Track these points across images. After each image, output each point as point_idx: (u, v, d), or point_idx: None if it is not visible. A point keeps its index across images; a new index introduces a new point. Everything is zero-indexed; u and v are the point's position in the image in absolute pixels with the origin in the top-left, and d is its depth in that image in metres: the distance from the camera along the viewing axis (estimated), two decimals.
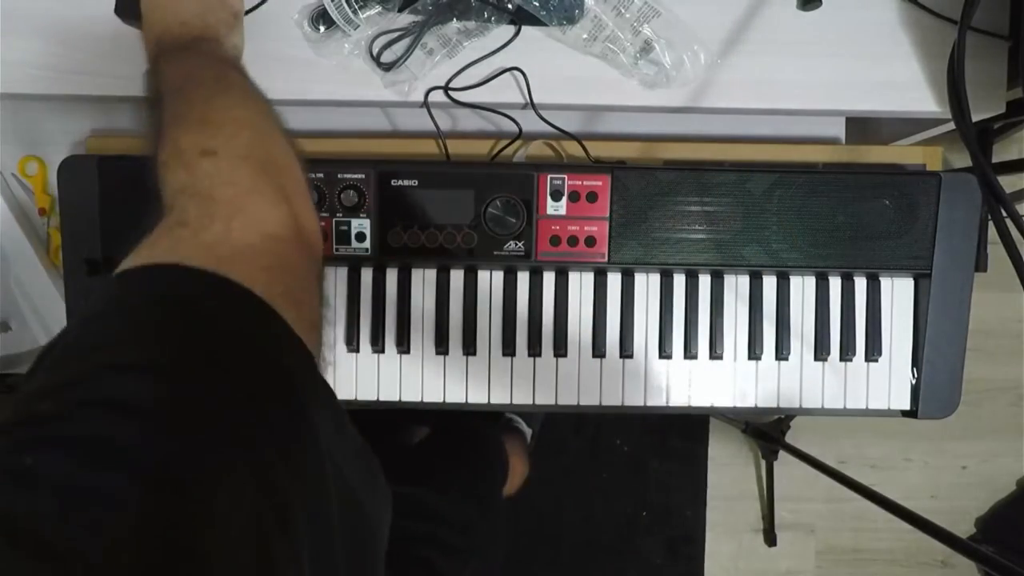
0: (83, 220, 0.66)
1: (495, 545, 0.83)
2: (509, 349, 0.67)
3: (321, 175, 0.65)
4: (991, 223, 0.56)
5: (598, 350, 0.67)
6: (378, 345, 0.67)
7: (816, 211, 0.65)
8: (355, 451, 0.35)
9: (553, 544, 1.46)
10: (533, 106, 0.66)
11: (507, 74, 0.65)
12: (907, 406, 0.68)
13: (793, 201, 0.65)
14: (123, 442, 0.24)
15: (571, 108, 0.67)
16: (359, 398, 0.68)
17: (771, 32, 0.65)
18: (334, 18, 0.62)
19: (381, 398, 0.68)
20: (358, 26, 0.63)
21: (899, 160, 0.72)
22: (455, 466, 0.85)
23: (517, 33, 0.64)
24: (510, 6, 0.63)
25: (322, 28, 0.63)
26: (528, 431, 1.42)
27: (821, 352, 0.67)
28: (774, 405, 0.68)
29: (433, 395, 0.68)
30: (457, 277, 0.67)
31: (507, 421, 1.40)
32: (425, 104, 0.66)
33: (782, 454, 1.47)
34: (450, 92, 0.66)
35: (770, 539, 1.53)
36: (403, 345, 0.67)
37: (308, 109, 0.73)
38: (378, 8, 0.62)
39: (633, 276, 0.68)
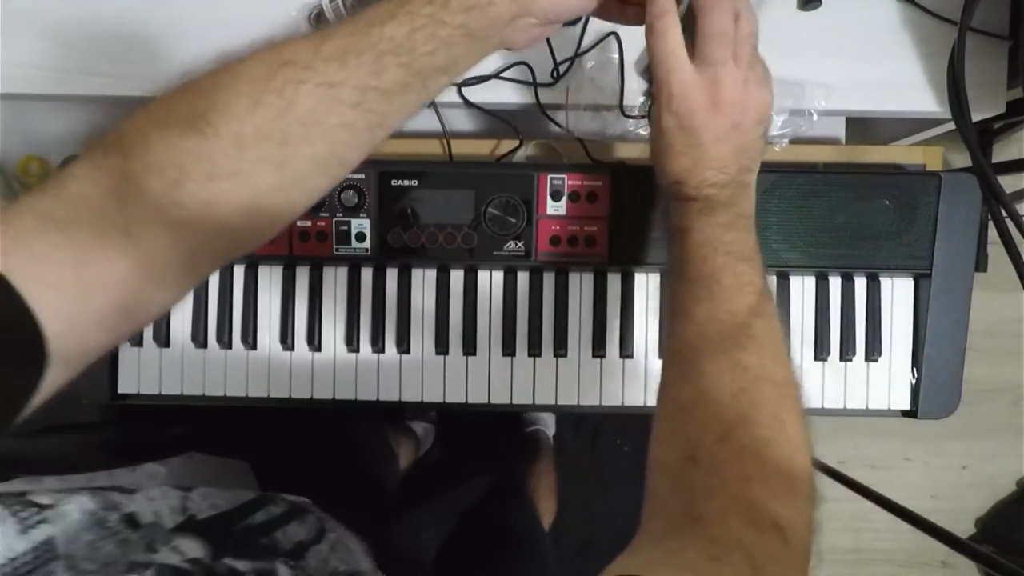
0: None
1: None
2: (509, 349, 0.67)
3: None
4: (991, 223, 0.56)
5: (598, 350, 0.67)
6: (378, 345, 0.67)
7: (816, 211, 0.65)
8: None
9: (553, 544, 1.46)
10: (539, 105, 0.66)
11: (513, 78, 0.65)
12: (907, 406, 0.68)
13: (793, 201, 0.65)
14: None
15: (575, 108, 0.67)
16: (359, 398, 0.68)
17: (771, 32, 0.65)
18: (330, 20, 0.62)
19: (381, 398, 0.68)
20: None
21: (899, 160, 0.72)
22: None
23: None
24: None
25: (319, 28, 0.63)
26: (552, 431, 1.41)
27: (821, 352, 0.67)
28: None
29: (433, 395, 0.68)
30: (457, 277, 0.67)
31: (532, 433, 1.37)
32: (431, 103, 0.66)
33: None
34: (452, 90, 0.66)
35: None
36: (403, 345, 0.67)
37: None
38: None
39: (633, 276, 0.68)
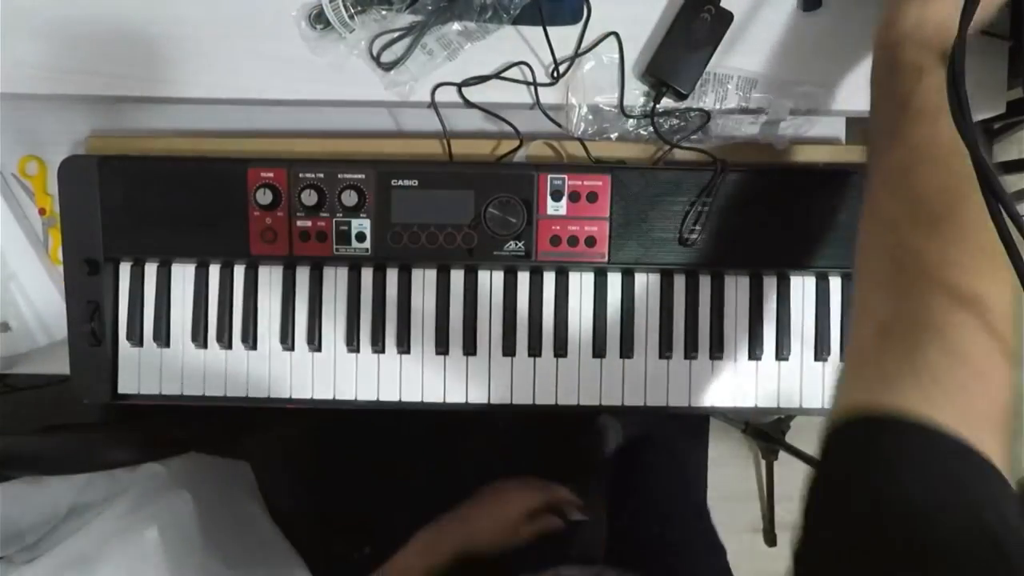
0: (83, 220, 0.66)
1: None
2: (509, 349, 0.67)
3: (321, 175, 0.65)
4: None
5: (598, 350, 0.67)
6: (378, 345, 0.67)
7: (816, 211, 0.65)
8: None
9: None
10: (539, 104, 0.66)
11: (513, 77, 0.65)
12: None
13: (794, 201, 0.65)
14: None
15: (575, 108, 0.67)
16: (359, 398, 0.68)
17: (771, 32, 0.65)
18: (330, 20, 0.62)
19: (381, 398, 0.68)
20: (353, 30, 0.63)
21: None
22: None
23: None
24: (512, 7, 0.63)
25: (319, 27, 0.63)
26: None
27: (821, 352, 0.67)
28: (774, 405, 0.68)
29: (433, 395, 0.68)
30: (457, 277, 0.67)
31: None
32: (432, 103, 0.66)
33: (782, 454, 1.47)
34: (452, 90, 0.65)
35: (770, 539, 1.53)
36: (403, 345, 0.67)
37: (308, 109, 0.73)
38: (375, 13, 0.62)
39: (633, 276, 0.68)
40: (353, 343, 0.67)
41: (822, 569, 0.32)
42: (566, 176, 0.65)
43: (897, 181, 0.45)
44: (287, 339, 0.67)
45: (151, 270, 0.68)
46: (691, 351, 0.68)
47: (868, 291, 0.43)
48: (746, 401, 0.68)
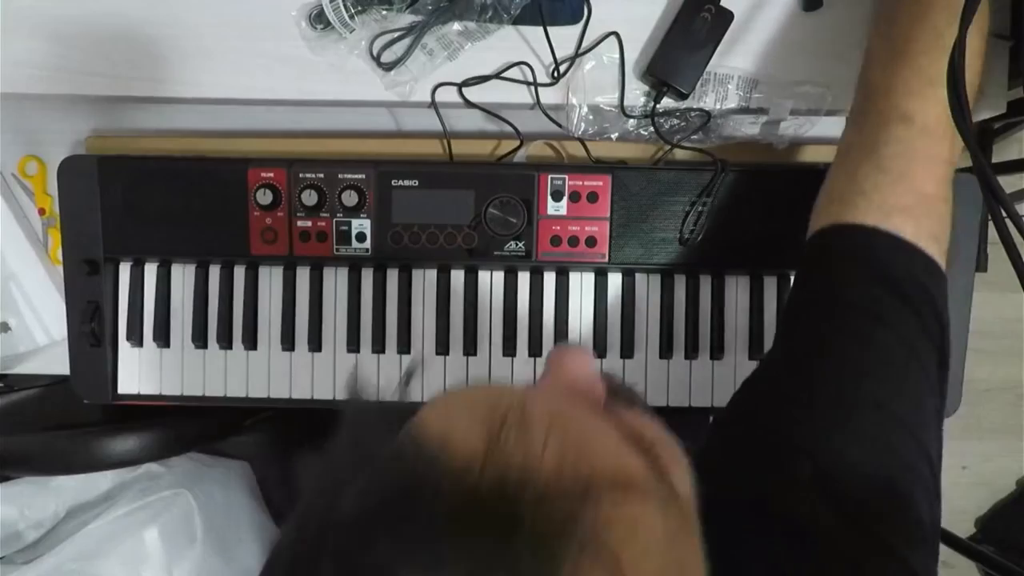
0: (83, 220, 0.66)
1: None
2: (510, 349, 0.67)
3: (321, 175, 0.65)
4: (991, 223, 0.56)
5: (599, 350, 0.67)
6: (378, 345, 0.67)
7: None
8: None
9: None
10: (539, 105, 0.66)
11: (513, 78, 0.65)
12: None
13: (794, 202, 0.65)
14: None
15: (575, 108, 0.67)
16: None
17: (771, 32, 0.65)
18: (330, 20, 0.62)
19: (382, 398, 0.68)
20: (353, 30, 0.63)
21: None
22: None
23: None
24: (512, 7, 0.63)
25: (319, 27, 0.63)
26: None
27: None
28: None
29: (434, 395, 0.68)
30: (457, 277, 0.67)
31: None
32: (432, 103, 0.66)
33: None
34: (453, 90, 0.65)
35: None
36: (404, 345, 0.67)
37: (308, 109, 0.73)
38: (375, 13, 0.62)
39: (634, 276, 0.68)
40: (353, 343, 0.67)
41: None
42: (566, 176, 0.65)
43: (884, 20, 0.51)
44: (287, 339, 0.67)
45: (151, 270, 0.68)
46: (691, 351, 0.67)
47: (846, 127, 0.52)
48: None
